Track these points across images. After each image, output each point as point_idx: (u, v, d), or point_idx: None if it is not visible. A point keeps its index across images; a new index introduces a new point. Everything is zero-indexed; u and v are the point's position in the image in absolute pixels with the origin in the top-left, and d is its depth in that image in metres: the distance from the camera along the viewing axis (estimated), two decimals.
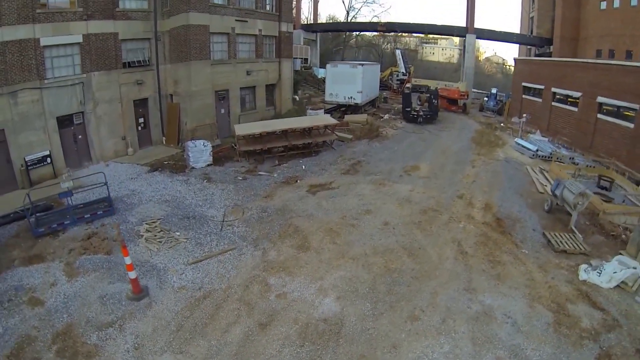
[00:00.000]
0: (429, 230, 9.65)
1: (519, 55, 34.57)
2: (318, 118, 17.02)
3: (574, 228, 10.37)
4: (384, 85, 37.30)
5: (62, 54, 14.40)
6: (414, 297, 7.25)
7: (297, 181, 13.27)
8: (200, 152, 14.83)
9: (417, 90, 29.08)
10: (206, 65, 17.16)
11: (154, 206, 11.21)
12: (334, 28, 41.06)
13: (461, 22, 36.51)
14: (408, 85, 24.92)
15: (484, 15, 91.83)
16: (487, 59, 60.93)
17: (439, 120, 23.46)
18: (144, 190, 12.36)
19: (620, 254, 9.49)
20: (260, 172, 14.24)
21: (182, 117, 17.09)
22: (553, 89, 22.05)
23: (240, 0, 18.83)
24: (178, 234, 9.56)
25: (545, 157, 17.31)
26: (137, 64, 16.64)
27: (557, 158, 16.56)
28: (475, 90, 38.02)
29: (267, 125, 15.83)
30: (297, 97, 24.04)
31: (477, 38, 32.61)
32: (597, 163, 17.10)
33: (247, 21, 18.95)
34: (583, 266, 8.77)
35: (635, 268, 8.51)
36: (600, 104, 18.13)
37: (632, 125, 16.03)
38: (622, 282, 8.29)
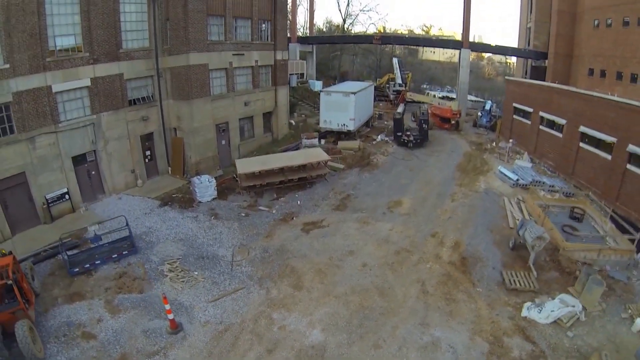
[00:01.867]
0: (399, 272, 13.01)
1: (516, 65, 37.59)
2: (312, 154, 20.26)
3: (531, 266, 13.56)
4: (381, 93, 40.55)
5: (72, 98, 16.96)
6: (379, 330, 10.60)
7: (293, 218, 16.64)
8: (205, 187, 18.13)
9: (412, 102, 32.22)
10: (207, 101, 20.34)
11: (171, 245, 14.56)
12: (330, 40, 44.46)
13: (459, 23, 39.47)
14: (399, 110, 28.09)
15: (484, 20, 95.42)
16: (489, 58, 64.08)
17: (429, 142, 26.77)
18: (159, 228, 15.68)
19: (568, 291, 12.74)
20: (260, 207, 17.62)
21: (187, 151, 20.33)
22: (541, 113, 25.04)
23: (237, 34, 21.89)
24: (196, 273, 12.93)
25: (526, 185, 20.63)
26: (141, 101, 19.68)
27: (534, 191, 19.81)
28: (472, 98, 41.24)
29: (266, 162, 19.12)
30: (293, 122, 27.45)
31: (473, 51, 35.75)
32: (577, 190, 20.43)
33: (243, 54, 22.11)
34: (527, 304, 11.85)
35: (573, 306, 11.55)
36: (583, 133, 20.95)
37: (609, 157, 18.88)
38: (559, 318, 11.28)
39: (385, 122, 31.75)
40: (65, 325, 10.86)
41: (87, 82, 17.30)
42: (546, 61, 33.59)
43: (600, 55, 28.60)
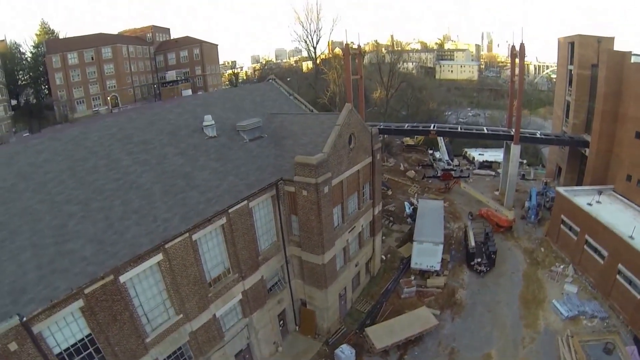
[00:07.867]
0: None
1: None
2: (423, 319, 35.15)
3: None
4: (421, 160, 56.58)
5: (229, 312, 28.21)
6: None
7: None
8: (349, 358, 33.76)
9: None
10: (336, 284, 33.99)
11: None
12: (387, 132, 58.74)
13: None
14: (472, 244, 43.45)
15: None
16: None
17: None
18: None
19: None
20: None
21: (319, 320, 34.57)
22: (587, 237, 39.87)
23: (349, 210, 35.00)
24: None
25: (574, 317, 37.99)
26: (275, 288, 32.50)
27: (577, 333, 37.35)
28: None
29: (392, 330, 34.20)
30: (383, 257, 42.85)
31: (522, 143, 50.15)
32: (611, 311, 36.83)
33: (354, 226, 36.06)
34: None
35: None
36: (620, 270, 35.48)
37: (639, 296, 34.12)
38: None
39: (447, 226, 48.12)
40: None
41: (240, 297, 28.42)
42: (586, 150, 49.51)
43: (639, 166, 40.89)
